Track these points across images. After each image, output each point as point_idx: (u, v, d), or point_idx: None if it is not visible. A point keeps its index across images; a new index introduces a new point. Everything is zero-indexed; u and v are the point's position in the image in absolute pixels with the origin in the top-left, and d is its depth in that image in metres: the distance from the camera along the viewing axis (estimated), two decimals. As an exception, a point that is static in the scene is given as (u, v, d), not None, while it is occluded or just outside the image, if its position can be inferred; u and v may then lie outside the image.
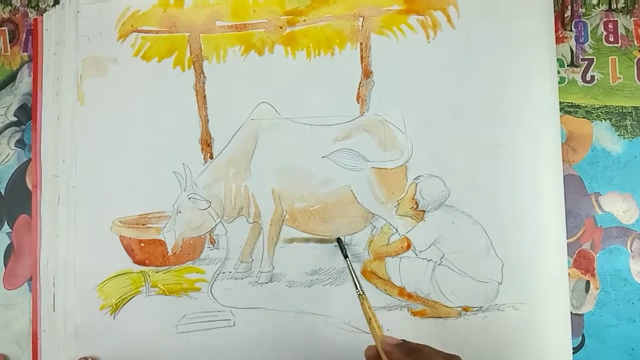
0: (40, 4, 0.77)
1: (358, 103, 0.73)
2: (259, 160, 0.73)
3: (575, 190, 0.74)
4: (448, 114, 0.72)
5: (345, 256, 0.70)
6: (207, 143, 0.73)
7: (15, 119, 0.77)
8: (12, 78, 0.77)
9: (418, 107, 0.72)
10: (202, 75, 0.73)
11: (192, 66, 0.74)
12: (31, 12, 0.77)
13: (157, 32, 0.74)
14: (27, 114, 0.77)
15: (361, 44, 0.73)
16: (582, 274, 0.73)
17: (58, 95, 0.74)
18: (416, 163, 0.72)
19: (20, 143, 0.77)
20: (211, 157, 0.73)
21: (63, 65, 0.74)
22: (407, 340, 0.59)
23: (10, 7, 0.78)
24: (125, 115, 0.73)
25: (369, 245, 0.72)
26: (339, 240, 0.72)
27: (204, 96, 0.73)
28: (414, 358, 0.56)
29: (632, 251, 0.73)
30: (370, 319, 0.63)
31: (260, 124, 0.73)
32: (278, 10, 0.74)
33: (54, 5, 0.76)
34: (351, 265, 0.69)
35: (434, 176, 0.72)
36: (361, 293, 0.66)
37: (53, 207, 0.73)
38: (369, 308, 0.64)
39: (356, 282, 0.67)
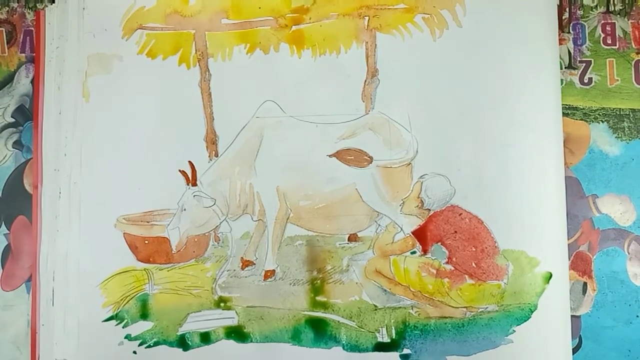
0: (37, 5, 0.76)
1: (363, 101, 0.73)
2: (264, 158, 0.73)
3: (573, 192, 0.74)
4: (454, 112, 0.72)
5: None
6: (212, 141, 0.73)
7: (13, 120, 0.76)
8: (9, 79, 0.77)
9: (423, 106, 0.73)
10: (207, 72, 0.73)
11: (198, 64, 0.73)
12: (29, 13, 0.77)
13: (162, 29, 0.74)
14: (24, 115, 0.76)
15: (367, 42, 0.73)
16: (580, 275, 0.73)
17: (60, 89, 0.73)
18: (421, 161, 0.72)
19: (17, 144, 0.76)
20: (216, 155, 0.73)
21: (65, 60, 0.74)
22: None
23: (7, 8, 0.77)
24: (130, 112, 0.73)
25: (374, 244, 0.72)
26: None
27: (209, 94, 0.73)
28: None
29: (629, 253, 0.74)
30: None
31: (266, 122, 0.73)
32: (284, 8, 0.74)
33: (51, 2, 0.76)
34: None
35: (439, 175, 0.72)
36: None
37: (54, 200, 0.72)
38: None
39: None
